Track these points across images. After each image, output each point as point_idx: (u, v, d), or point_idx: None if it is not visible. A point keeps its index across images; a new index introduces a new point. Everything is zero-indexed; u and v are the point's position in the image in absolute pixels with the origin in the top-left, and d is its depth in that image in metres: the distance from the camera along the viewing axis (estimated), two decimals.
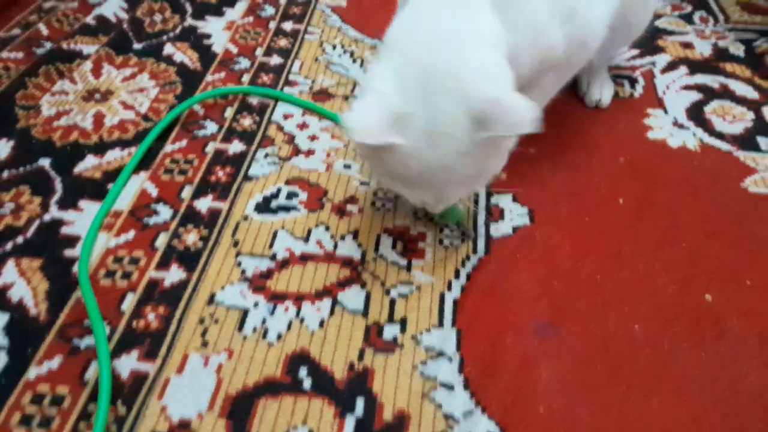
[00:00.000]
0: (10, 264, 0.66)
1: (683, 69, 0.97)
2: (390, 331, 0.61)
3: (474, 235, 0.71)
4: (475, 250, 0.69)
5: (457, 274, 0.67)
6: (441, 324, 0.62)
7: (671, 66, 0.98)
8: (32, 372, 0.57)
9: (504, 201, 0.75)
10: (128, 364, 0.58)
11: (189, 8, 1.10)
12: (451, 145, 0.55)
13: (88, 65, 0.94)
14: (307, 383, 0.57)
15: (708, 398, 0.57)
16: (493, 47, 0.59)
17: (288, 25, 1.07)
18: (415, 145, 0.55)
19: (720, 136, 0.85)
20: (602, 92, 0.89)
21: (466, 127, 0.54)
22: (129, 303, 0.63)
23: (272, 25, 1.07)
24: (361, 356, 0.59)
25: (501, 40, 0.60)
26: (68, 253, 0.68)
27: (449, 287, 0.65)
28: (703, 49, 1.02)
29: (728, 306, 0.64)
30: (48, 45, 0.99)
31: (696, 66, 0.98)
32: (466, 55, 0.57)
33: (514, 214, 0.73)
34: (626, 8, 0.76)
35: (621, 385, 0.58)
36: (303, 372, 0.58)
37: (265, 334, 0.61)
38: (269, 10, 1.11)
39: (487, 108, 0.53)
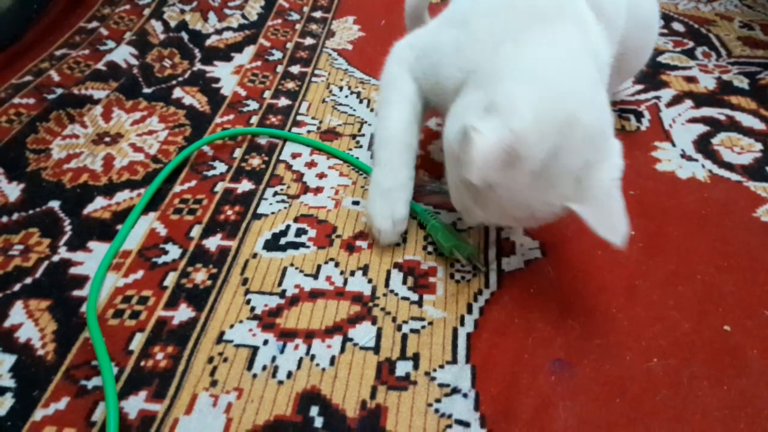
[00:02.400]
0: (18, 305, 0.66)
1: (688, 102, 0.98)
2: (402, 368, 0.60)
3: (485, 269, 0.71)
4: (487, 285, 0.68)
5: (469, 309, 0.66)
6: (455, 360, 0.61)
7: (676, 100, 0.99)
8: (38, 414, 0.56)
9: (515, 234, 0.75)
10: (136, 404, 0.56)
11: (198, 54, 1.12)
12: (546, 196, 0.57)
13: (98, 110, 0.95)
14: (318, 422, 0.55)
15: None
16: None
17: (295, 69, 1.09)
18: (516, 182, 0.55)
19: (729, 167, 0.85)
20: None
21: (570, 191, 0.56)
22: (137, 343, 0.62)
23: (280, 68, 1.09)
24: (373, 394, 0.58)
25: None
26: (76, 293, 0.67)
27: (462, 322, 0.64)
28: (707, 83, 1.03)
29: (747, 339, 0.63)
30: (59, 91, 1.00)
31: (701, 99, 0.99)
32: (600, 121, 0.58)
33: (525, 248, 0.73)
34: (628, 40, 0.77)
35: (641, 425, 0.56)
36: (314, 411, 0.56)
37: (275, 373, 0.59)
38: (277, 55, 1.13)
39: (595, 193, 0.56)
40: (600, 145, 0.57)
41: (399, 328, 0.64)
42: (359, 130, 0.93)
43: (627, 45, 0.78)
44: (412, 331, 0.64)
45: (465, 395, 0.58)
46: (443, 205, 0.76)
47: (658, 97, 1.00)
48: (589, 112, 0.57)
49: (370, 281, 0.69)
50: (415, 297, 0.67)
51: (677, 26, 1.20)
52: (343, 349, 0.62)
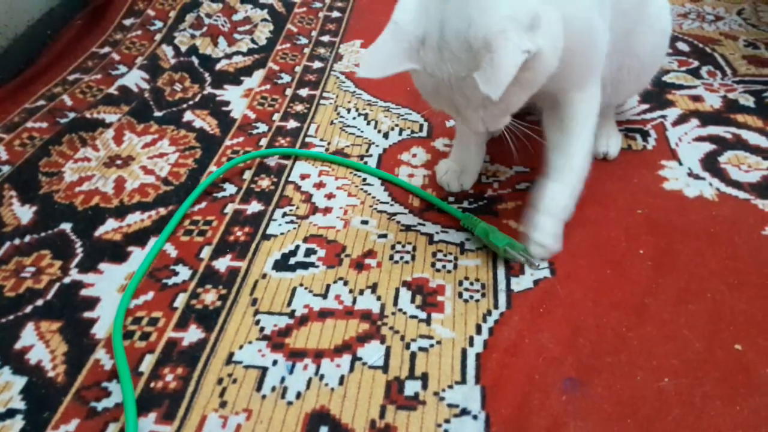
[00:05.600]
0: (30, 327, 0.66)
1: (695, 121, 0.98)
2: (411, 387, 0.60)
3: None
4: (496, 305, 0.68)
5: (478, 329, 0.66)
6: (464, 381, 0.61)
7: (682, 118, 0.99)
8: None
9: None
10: (146, 426, 0.56)
11: (208, 78, 1.14)
12: (454, 64, 0.60)
13: (110, 133, 0.97)
14: None
15: None
16: None
17: (304, 92, 1.10)
18: (428, 63, 0.62)
19: (737, 185, 0.85)
20: (609, 144, 0.90)
21: (467, 52, 0.58)
22: (147, 364, 0.62)
23: (288, 91, 1.10)
24: (382, 413, 0.57)
25: None
26: (87, 315, 0.68)
27: (471, 343, 0.64)
28: (713, 102, 1.03)
29: (759, 358, 0.62)
30: (71, 115, 1.02)
31: (707, 118, 0.99)
32: None
33: (535, 268, 0.73)
34: (640, 42, 0.79)
35: None
36: (323, 431, 0.56)
37: (284, 393, 0.59)
38: (285, 78, 1.14)
39: (484, 42, 0.57)
40: (477, 2, 0.58)
41: (407, 346, 0.64)
42: (367, 150, 0.94)
43: (639, 55, 0.80)
44: (421, 349, 0.63)
45: (475, 417, 0.57)
46: None
47: (664, 116, 1.00)
48: None
49: (378, 299, 0.69)
50: (423, 315, 0.67)
51: (682, 46, 1.21)
52: (352, 369, 0.62)
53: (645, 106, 1.02)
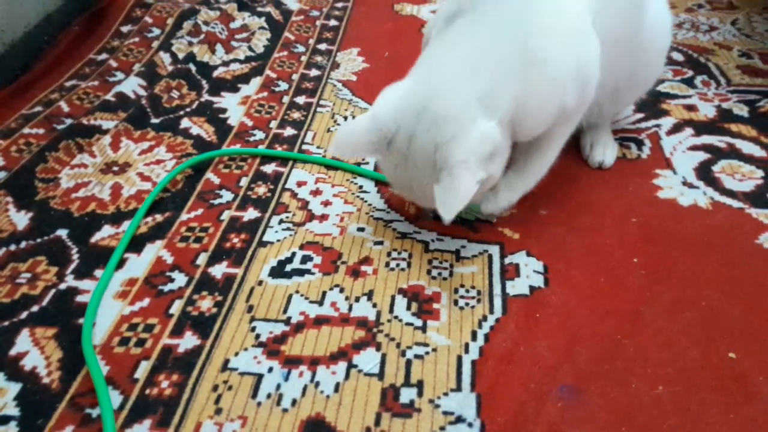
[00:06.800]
0: (25, 333, 0.66)
1: (689, 130, 0.99)
2: (407, 395, 0.60)
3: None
4: (492, 311, 0.68)
5: (474, 336, 0.66)
6: (459, 388, 0.61)
7: (677, 128, 1.00)
8: None
9: (518, 257, 0.75)
10: None
11: (205, 85, 1.14)
12: (416, 171, 0.67)
13: (107, 139, 0.97)
14: None
15: None
16: (490, 109, 0.66)
17: (301, 99, 1.10)
18: (391, 160, 0.69)
19: (731, 194, 0.85)
20: (605, 153, 0.91)
21: (429, 167, 0.65)
22: (142, 371, 0.62)
23: (286, 99, 1.10)
24: (377, 421, 0.57)
25: (504, 102, 0.66)
26: (82, 321, 0.67)
27: (466, 350, 0.64)
28: (707, 111, 1.04)
29: (754, 365, 0.63)
30: (68, 121, 1.02)
31: (701, 127, 1.00)
32: (454, 107, 0.65)
33: (530, 270, 0.73)
34: (635, 62, 0.80)
35: None
36: None
37: (279, 401, 0.59)
38: (283, 86, 1.15)
39: (447, 165, 0.63)
40: (447, 128, 0.64)
41: (403, 354, 0.64)
42: (363, 158, 0.94)
43: (636, 73, 0.82)
44: (416, 357, 0.64)
45: (470, 425, 0.57)
46: None
47: (658, 126, 1.01)
48: (438, 101, 0.66)
49: (374, 306, 0.69)
50: (419, 323, 0.67)
51: (676, 55, 1.22)
52: (347, 376, 0.62)
53: (640, 116, 1.03)
